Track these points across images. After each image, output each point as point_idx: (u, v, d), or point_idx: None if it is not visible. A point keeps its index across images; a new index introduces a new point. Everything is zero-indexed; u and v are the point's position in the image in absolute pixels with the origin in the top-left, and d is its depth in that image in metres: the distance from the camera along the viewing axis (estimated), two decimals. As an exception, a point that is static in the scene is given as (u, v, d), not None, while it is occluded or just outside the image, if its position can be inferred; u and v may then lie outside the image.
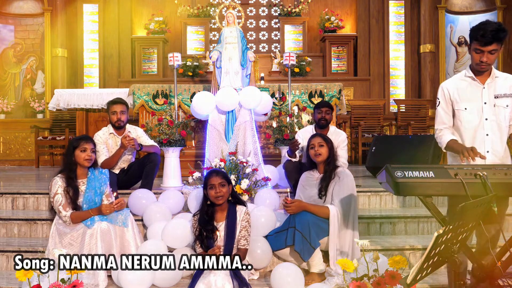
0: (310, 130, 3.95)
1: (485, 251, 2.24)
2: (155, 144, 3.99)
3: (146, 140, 3.95)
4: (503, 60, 8.65)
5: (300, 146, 3.75)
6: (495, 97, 2.42)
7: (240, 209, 2.90)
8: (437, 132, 2.54)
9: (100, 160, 3.71)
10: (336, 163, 3.16)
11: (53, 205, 2.96)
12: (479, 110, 2.43)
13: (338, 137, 3.79)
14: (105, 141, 3.83)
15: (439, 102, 2.54)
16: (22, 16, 8.59)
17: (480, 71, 2.42)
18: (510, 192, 2.01)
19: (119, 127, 3.86)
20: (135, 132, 3.95)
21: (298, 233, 2.83)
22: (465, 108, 2.45)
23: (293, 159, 3.82)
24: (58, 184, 2.96)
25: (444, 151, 2.54)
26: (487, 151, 2.41)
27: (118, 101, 3.89)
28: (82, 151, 2.99)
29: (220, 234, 2.84)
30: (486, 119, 2.42)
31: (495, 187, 1.92)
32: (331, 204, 2.98)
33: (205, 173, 3.93)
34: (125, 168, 3.93)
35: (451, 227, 1.71)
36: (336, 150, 3.75)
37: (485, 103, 2.42)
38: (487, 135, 2.41)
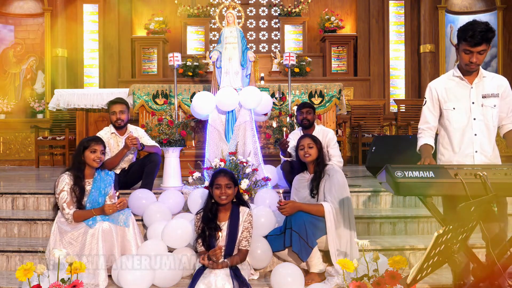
0: (298, 132, 4.06)
1: (497, 242, 2.22)
2: (156, 144, 4.01)
3: (147, 141, 3.97)
4: (503, 60, 8.65)
5: (290, 145, 3.78)
6: (482, 97, 2.43)
7: (243, 210, 2.90)
8: (419, 132, 2.59)
9: None
10: (325, 162, 3.19)
11: (57, 202, 2.97)
12: (467, 110, 2.44)
13: (326, 135, 3.85)
14: (107, 141, 3.83)
15: (426, 101, 2.56)
16: (22, 16, 8.59)
17: (469, 71, 2.43)
18: (510, 192, 2.01)
19: (119, 127, 3.88)
20: (136, 132, 3.97)
21: (295, 233, 2.83)
22: (453, 108, 2.46)
23: (289, 159, 3.84)
24: (66, 181, 2.97)
25: (418, 152, 2.56)
26: (476, 151, 2.42)
27: (117, 101, 3.91)
28: (92, 152, 3.02)
29: (222, 234, 2.84)
30: (474, 119, 2.43)
31: (495, 187, 1.92)
32: (324, 200, 2.99)
33: (205, 173, 3.93)
34: (126, 168, 3.93)
35: (451, 227, 1.71)
36: (328, 150, 3.80)
37: (473, 103, 2.43)
38: (475, 135, 2.42)
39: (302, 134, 3.96)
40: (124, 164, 3.92)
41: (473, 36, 2.26)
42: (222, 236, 2.83)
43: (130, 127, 3.99)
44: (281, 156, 3.95)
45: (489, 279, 1.99)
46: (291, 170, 3.70)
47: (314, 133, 3.81)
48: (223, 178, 2.82)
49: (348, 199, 3.03)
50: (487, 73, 2.49)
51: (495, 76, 2.50)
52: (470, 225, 1.92)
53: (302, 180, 3.21)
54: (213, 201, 2.87)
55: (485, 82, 2.45)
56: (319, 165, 3.12)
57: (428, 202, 1.98)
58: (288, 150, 3.83)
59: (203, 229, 2.84)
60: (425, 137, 2.53)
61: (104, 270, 2.75)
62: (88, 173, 3.07)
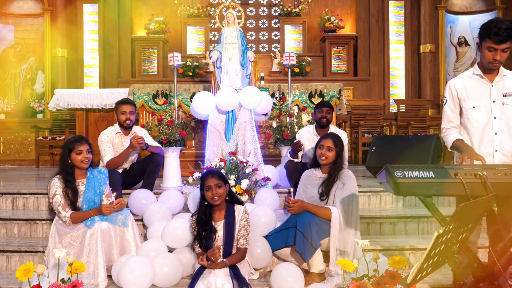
0: (310, 129, 3.95)
1: (499, 237, 2.20)
2: (159, 145, 4.03)
3: (150, 141, 3.99)
4: (503, 60, 8.64)
5: (302, 146, 3.76)
6: (503, 96, 2.40)
7: (238, 208, 2.90)
8: (443, 131, 2.52)
9: (106, 159, 3.72)
10: (342, 166, 3.10)
11: (52, 206, 2.96)
12: (488, 108, 2.41)
13: None
14: (111, 140, 3.84)
15: (446, 100, 2.52)
16: (22, 16, 8.59)
17: (491, 69, 2.40)
18: (510, 192, 2.01)
19: (127, 127, 3.89)
20: (141, 133, 3.99)
21: (299, 233, 2.82)
22: (473, 107, 2.43)
23: (295, 160, 3.82)
24: (57, 185, 2.95)
25: (450, 150, 2.52)
26: (496, 150, 2.39)
27: (127, 101, 3.94)
28: (77, 154, 2.97)
29: (219, 234, 2.84)
30: (495, 117, 2.40)
31: (495, 187, 1.91)
32: (333, 205, 2.97)
33: (205, 173, 3.93)
34: (127, 168, 3.94)
35: (451, 227, 1.71)
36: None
37: (493, 101, 2.41)
38: (495, 134, 2.40)
39: (314, 132, 3.90)
40: (126, 165, 3.93)
41: (498, 33, 2.23)
42: (219, 236, 2.83)
43: (135, 127, 4.01)
44: (289, 155, 3.91)
45: (489, 279, 1.98)
46: (296, 170, 3.68)
47: None
48: (212, 179, 2.81)
49: (356, 204, 3.02)
50: (507, 71, 2.46)
51: None
52: (470, 225, 1.92)
53: (313, 177, 3.17)
54: (206, 203, 2.87)
55: (505, 81, 2.42)
56: (336, 170, 3.04)
57: (428, 202, 1.98)
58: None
59: (198, 231, 2.84)
60: (453, 134, 2.46)
61: (103, 270, 2.75)
62: (80, 174, 3.04)
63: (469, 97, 2.44)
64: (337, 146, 3.06)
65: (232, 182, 3.61)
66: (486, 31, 2.29)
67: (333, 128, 3.90)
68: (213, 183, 2.80)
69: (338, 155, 3.06)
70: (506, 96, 2.40)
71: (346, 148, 3.79)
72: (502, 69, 2.43)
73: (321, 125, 3.88)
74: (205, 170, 3.94)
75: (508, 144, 2.41)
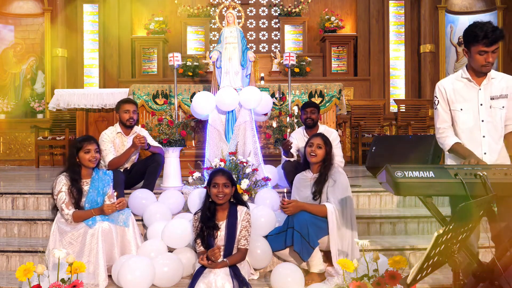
0: (301, 131, 4.03)
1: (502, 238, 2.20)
2: (160, 145, 4.03)
3: (151, 141, 3.99)
4: (503, 60, 8.65)
5: (293, 145, 3.77)
6: (491, 99, 2.40)
7: (240, 209, 2.90)
8: (439, 132, 2.50)
9: (108, 159, 3.72)
10: (331, 164, 3.12)
11: (56, 203, 2.96)
12: (475, 111, 2.41)
13: (329, 135, 3.81)
14: (112, 140, 3.85)
15: (438, 100, 2.51)
16: (22, 16, 8.59)
17: (484, 72, 2.40)
18: (510, 192, 2.01)
19: (129, 126, 3.90)
20: (141, 133, 4.00)
21: (296, 233, 2.82)
22: (461, 109, 2.44)
23: (291, 159, 3.83)
24: (63, 182, 2.95)
25: (448, 153, 2.52)
26: (484, 153, 2.40)
27: (130, 100, 3.96)
28: (86, 153, 2.98)
29: (221, 233, 2.84)
30: (482, 120, 2.40)
31: (495, 187, 1.91)
32: (327, 202, 2.98)
33: (205, 173, 3.94)
34: (128, 168, 3.94)
35: (451, 227, 1.71)
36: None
37: (481, 104, 2.41)
38: (483, 136, 2.40)
39: (304, 133, 3.97)
40: (127, 164, 3.93)
41: (486, 36, 2.24)
42: (220, 236, 2.83)
43: (135, 127, 4.02)
44: (283, 157, 3.94)
45: (489, 279, 1.99)
46: (293, 169, 3.69)
47: None
48: (221, 177, 2.82)
49: (350, 200, 3.03)
50: (496, 73, 2.46)
51: (505, 77, 2.46)
52: (470, 225, 1.92)
53: (304, 179, 3.18)
54: (210, 200, 2.88)
55: (493, 84, 2.42)
56: (325, 168, 3.07)
57: (428, 202, 1.98)
58: (291, 150, 3.82)
59: (201, 228, 2.84)
60: (451, 136, 2.45)
61: (104, 270, 2.75)
62: (85, 173, 3.05)
63: (457, 100, 2.45)
64: (327, 145, 3.09)
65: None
66: (473, 37, 2.30)
67: (322, 128, 3.96)
68: (221, 182, 2.80)
69: (327, 153, 3.08)
70: (493, 99, 2.40)
71: (339, 145, 3.82)
72: (491, 71, 2.43)
73: (307, 126, 3.95)
74: (204, 170, 3.95)
75: (496, 146, 2.41)
